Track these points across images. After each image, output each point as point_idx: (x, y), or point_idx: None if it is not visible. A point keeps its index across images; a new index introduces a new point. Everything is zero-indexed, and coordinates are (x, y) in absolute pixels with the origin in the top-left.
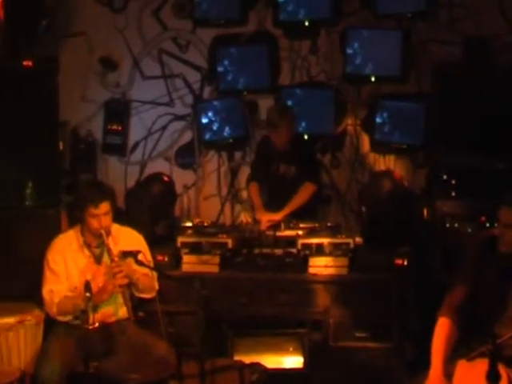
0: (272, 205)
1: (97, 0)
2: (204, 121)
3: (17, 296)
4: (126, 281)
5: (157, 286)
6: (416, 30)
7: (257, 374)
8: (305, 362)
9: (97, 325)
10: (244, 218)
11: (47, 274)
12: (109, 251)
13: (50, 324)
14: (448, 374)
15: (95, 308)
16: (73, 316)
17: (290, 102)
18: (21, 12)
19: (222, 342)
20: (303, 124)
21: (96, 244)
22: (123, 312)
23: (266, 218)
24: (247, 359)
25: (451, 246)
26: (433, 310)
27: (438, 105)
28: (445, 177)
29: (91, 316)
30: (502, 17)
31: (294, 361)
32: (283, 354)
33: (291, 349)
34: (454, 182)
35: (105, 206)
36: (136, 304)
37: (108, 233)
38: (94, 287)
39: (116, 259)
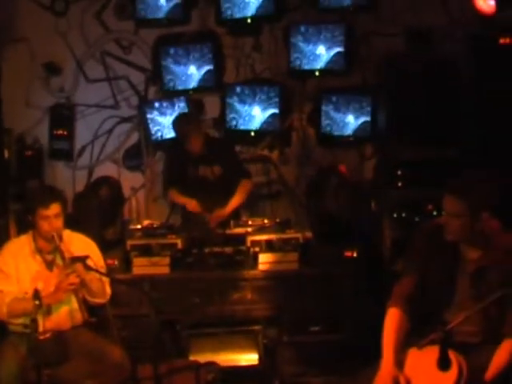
0: None
1: (38, 4)
2: (150, 122)
3: None
4: (78, 280)
5: (109, 291)
6: (358, 23)
7: (213, 373)
8: (260, 359)
9: (48, 334)
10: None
11: None
12: (61, 254)
13: (1, 331)
14: (399, 362)
15: (48, 311)
16: (23, 324)
17: (235, 100)
18: None
19: (178, 342)
20: (249, 121)
21: (48, 250)
22: (78, 318)
23: (214, 215)
24: (203, 359)
25: (400, 235)
26: (386, 300)
27: (382, 96)
28: (391, 167)
29: (41, 325)
30: (442, 7)
31: (249, 358)
32: (238, 351)
33: (246, 346)
34: (400, 172)
35: (55, 208)
36: (88, 309)
37: (60, 237)
38: (46, 293)
39: (68, 261)
